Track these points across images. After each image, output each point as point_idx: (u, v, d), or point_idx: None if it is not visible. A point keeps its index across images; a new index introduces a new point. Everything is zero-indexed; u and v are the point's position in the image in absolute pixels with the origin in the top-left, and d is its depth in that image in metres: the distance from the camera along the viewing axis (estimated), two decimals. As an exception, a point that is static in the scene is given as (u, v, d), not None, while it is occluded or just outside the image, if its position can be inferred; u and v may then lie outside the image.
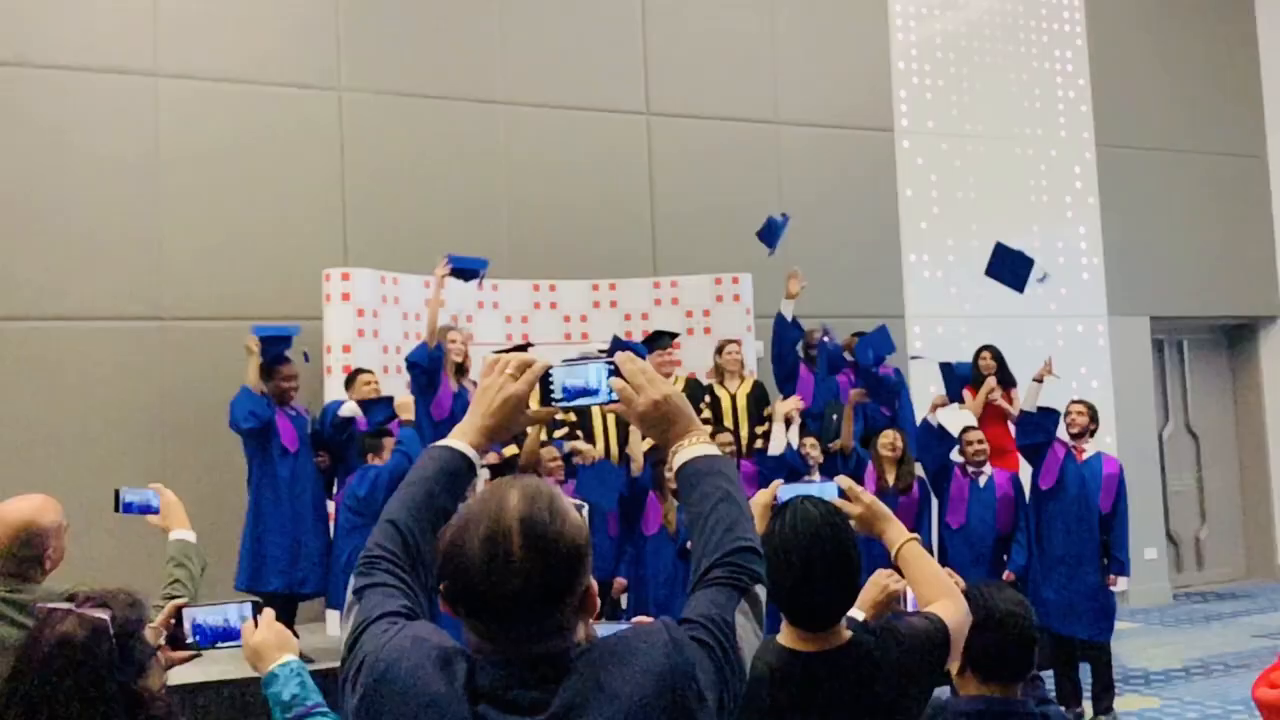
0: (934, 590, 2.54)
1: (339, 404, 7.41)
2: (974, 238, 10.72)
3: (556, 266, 9.03)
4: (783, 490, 2.63)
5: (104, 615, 2.03)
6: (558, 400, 1.98)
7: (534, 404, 1.98)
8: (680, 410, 1.91)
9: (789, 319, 8.36)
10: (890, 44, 10.71)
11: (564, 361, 2.04)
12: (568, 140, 9.41)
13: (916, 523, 7.71)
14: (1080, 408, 7.67)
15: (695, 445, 1.89)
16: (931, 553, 7.65)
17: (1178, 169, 11.69)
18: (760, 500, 2.60)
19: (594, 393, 1.97)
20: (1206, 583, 12.01)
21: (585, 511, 1.72)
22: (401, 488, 1.87)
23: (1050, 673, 7.55)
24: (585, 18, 9.64)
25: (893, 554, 2.63)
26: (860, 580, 2.44)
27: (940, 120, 10.82)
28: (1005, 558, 7.58)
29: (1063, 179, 11.26)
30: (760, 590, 1.77)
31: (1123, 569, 7.48)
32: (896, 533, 2.63)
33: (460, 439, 1.92)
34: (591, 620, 3.02)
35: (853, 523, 2.64)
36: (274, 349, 7.29)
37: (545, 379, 1.96)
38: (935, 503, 7.89)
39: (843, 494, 2.68)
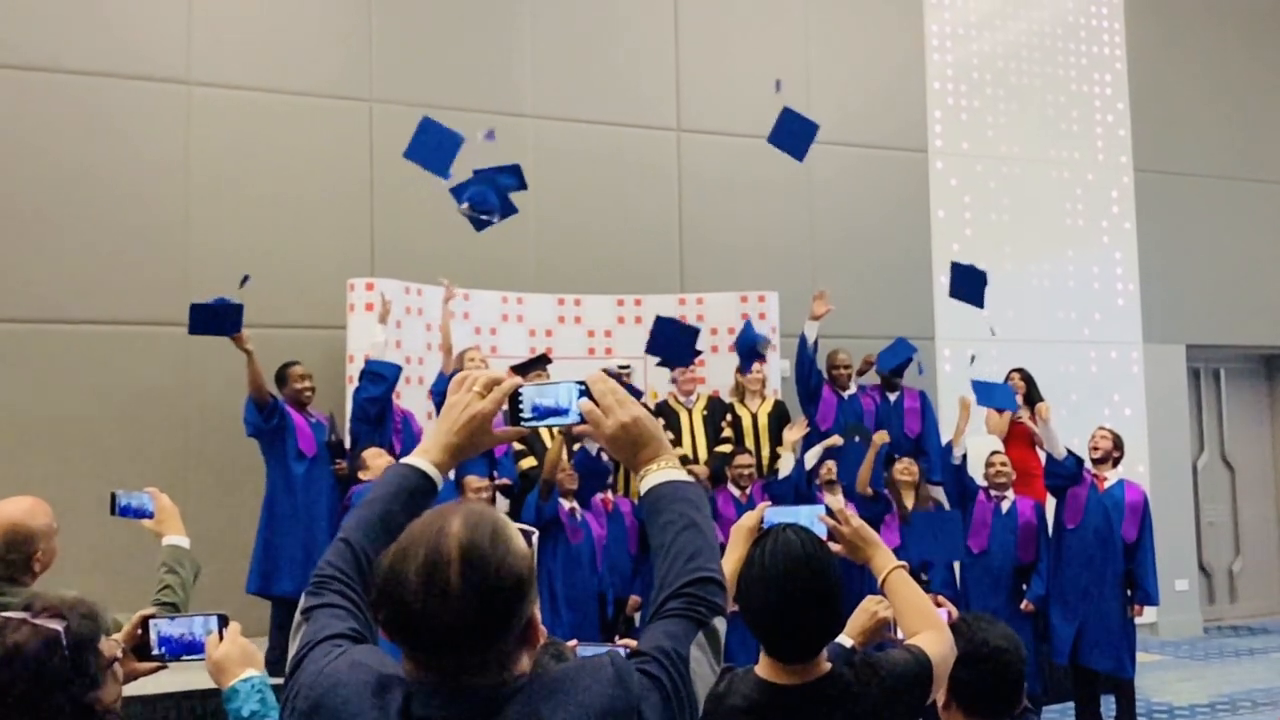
0: (919, 621, 2.48)
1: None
2: (1007, 260, 10.64)
3: (582, 281, 9.01)
4: (769, 513, 2.57)
5: (58, 626, 2.01)
6: (526, 420, 1.94)
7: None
8: (649, 433, 1.87)
9: (811, 340, 8.30)
10: (926, 64, 10.63)
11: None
12: (597, 155, 9.40)
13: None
14: (1104, 433, 7.54)
15: (663, 470, 1.85)
16: (953, 577, 7.59)
17: (1217, 195, 11.52)
18: (745, 524, 2.55)
19: (563, 413, 1.93)
20: (1239, 616, 11.80)
21: (535, 539, 1.67)
22: (359, 505, 1.84)
23: (1071, 705, 7.44)
24: (618, 33, 9.65)
25: (879, 581, 2.57)
26: (843, 612, 2.38)
27: (975, 142, 10.73)
28: (1024, 587, 7.46)
29: (1099, 203, 11.13)
30: (720, 623, 1.72)
31: (1148, 599, 7.33)
32: (883, 559, 2.58)
33: (423, 457, 1.88)
34: (572, 642, 2.98)
35: (839, 548, 2.59)
36: (212, 322, 6.92)
37: (514, 398, 1.92)
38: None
39: (831, 513, 2.63)
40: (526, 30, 9.34)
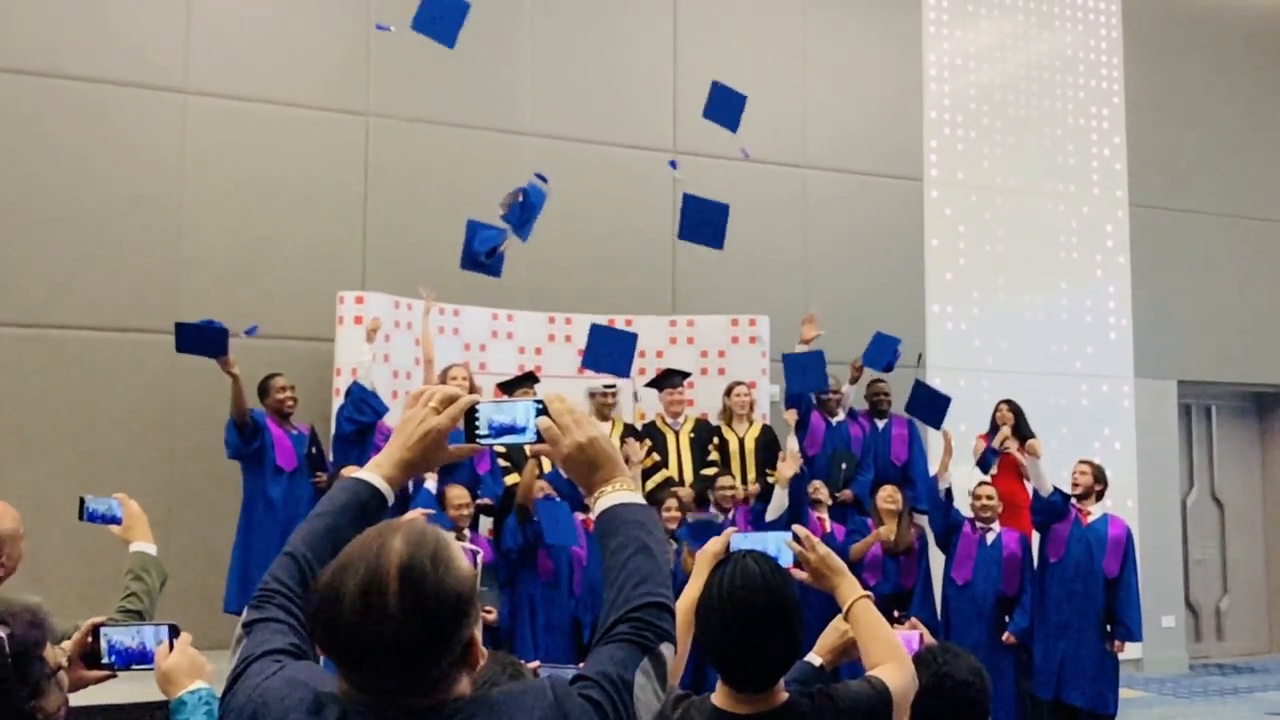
0: (881, 652, 2.45)
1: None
2: (1000, 291, 10.65)
3: (573, 299, 8.98)
4: (735, 539, 2.54)
5: (1, 633, 1.98)
6: (483, 437, 1.93)
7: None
8: (605, 454, 1.85)
9: (800, 366, 8.27)
10: (923, 94, 10.65)
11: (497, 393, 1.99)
12: (593, 174, 9.40)
13: (913, 580, 7.60)
14: (1084, 468, 7.52)
15: (618, 492, 1.83)
16: (934, 608, 7.56)
17: (1212, 232, 11.54)
18: (711, 549, 2.52)
19: (520, 431, 1.91)
20: (1226, 654, 11.75)
21: (479, 559, 1.65)
22: (308, 519, 1.82)
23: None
24: (616, 54, 9.66)
25: (843, 611, 2.54)
26: (801, 641, 2.35)
27: (971, 172, 10.74)
28: (1007, 619, 7.43)
29: (1094, 237, 11.13)
30: (666, 649, 1.69)
31: (1129, 634, 7.29)
32: (849, 589, 2.55)
33: (374, 471, 1.86)
34: (534, 663, 2.95)
35: (805, 575, 2.56)
36: (198, 344, 6.99)
37: (471, 414, 1.91)
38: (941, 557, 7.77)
39: (798, 539, 2.60)
40: (525, 48, 9.35)
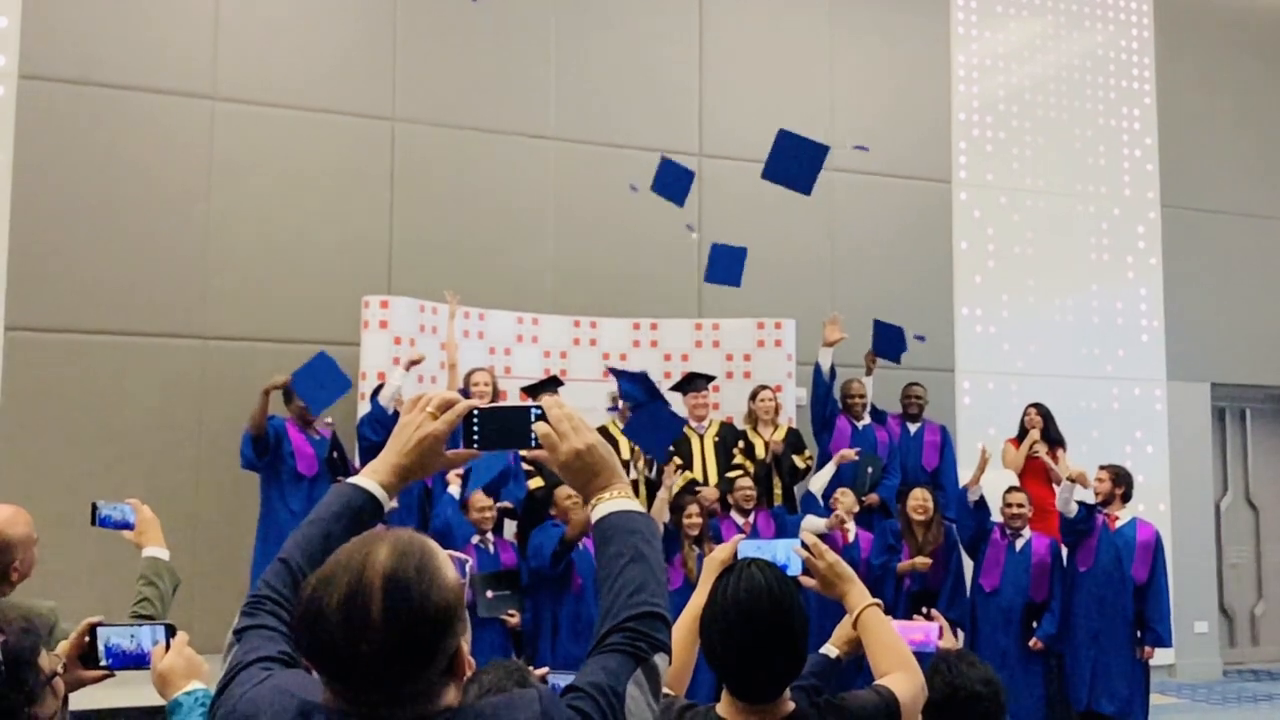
0: (890, 661, 2.42)
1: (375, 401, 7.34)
2: (1030, 294, 10.55)
3: (599, 303, 8.97)
4: (743, 546, 2.52)
5: (-6, 640, 1.99)
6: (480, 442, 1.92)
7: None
8: (603, 461, 1.84)
9: (826, 368, 8.23)
10: (952, 95, 10.57)
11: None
12: (618, 178, 9.36)
13: (938, 586, 7.53)
14: (1101, 475, 7.42)
15: (615, 499, 1.82)
16: (964, 607, 7.48)
17: (1245, 233, 11.38)
18: (717, 556, 2.50)
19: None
20: (1260, 660, 11.58)
21: (469, 567, 1.64)
22: (302, 524, 1.81)
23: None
24: (641, 58, 9.64)
25: (852, 620, 2.51)
26: (807, 651, 2.32)
27: (1000, 173, 10.65)
28: (1035, 625, 7.34)
29: (1125, 239, 11.01)
30: (661, 660, 1.67)
31: (1159, 640, 7.19)
32: (858, 596, 2.52)
33: (370, 477, 1.85)
34: (542, 670, 2.93)
35: (813, 582, 2.53)
36: (310, 395, 7.16)
37: (469, 420, 1.89)
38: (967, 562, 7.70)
39: (807, 546, 2.57)
40: (550, 53, 9.35)
